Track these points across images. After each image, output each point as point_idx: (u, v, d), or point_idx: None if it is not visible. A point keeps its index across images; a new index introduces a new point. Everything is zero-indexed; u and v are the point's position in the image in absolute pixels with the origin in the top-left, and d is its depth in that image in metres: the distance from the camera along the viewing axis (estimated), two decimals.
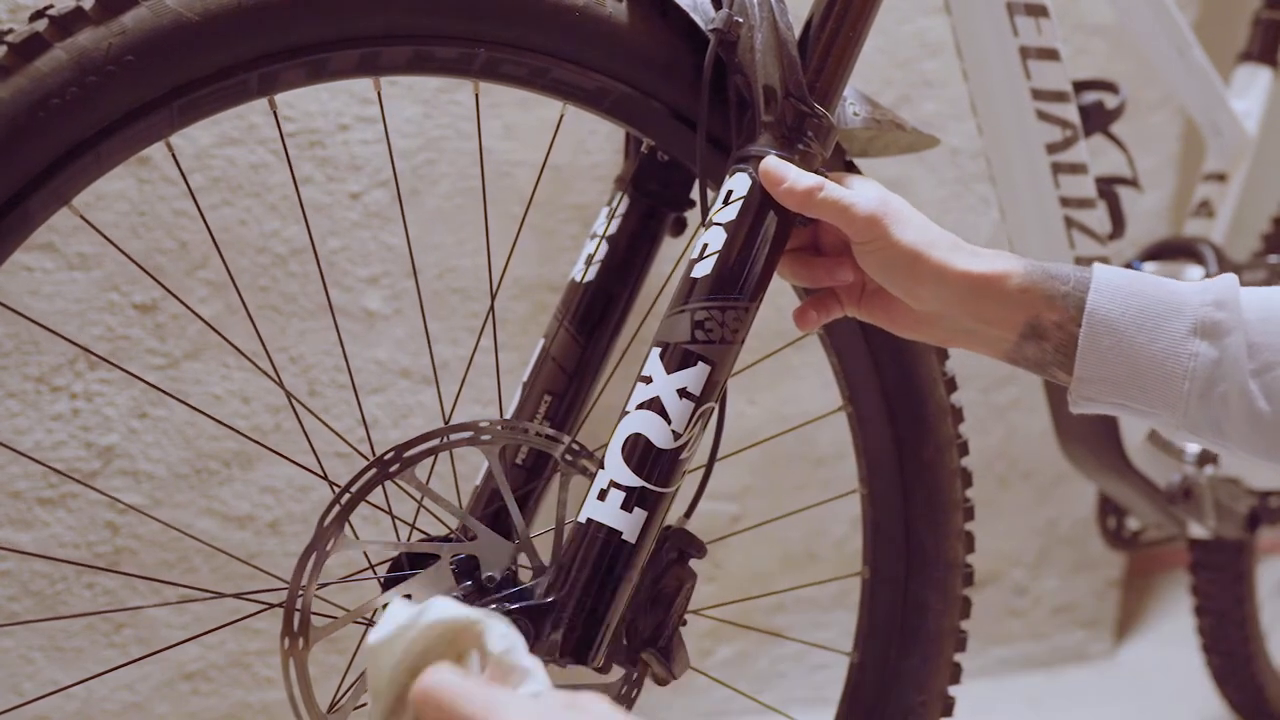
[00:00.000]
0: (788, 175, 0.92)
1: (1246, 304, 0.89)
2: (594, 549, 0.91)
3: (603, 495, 0.91)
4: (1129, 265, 1.60)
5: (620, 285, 1.13)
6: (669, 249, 1.16)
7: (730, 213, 0.93)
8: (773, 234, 0.94)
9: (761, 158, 0.94)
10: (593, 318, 1.12)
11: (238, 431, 1.17)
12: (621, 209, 1.14)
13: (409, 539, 1.00)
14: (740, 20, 0.96)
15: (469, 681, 0.61)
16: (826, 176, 0.93)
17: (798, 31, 0.97)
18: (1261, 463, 0.91)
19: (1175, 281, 0.91)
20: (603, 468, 0.92)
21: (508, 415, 1.12)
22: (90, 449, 1.46)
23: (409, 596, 0.90)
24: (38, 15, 0.81)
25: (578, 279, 1.14)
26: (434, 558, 0.93)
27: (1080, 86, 1.39)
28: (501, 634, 0.65)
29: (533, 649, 0.91)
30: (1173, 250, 1.62)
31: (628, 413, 0.92)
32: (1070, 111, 1.34)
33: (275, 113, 0.94)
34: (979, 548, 1.19)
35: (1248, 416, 0.88)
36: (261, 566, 1.36)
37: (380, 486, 0.92)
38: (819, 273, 0.98)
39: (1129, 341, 0.89)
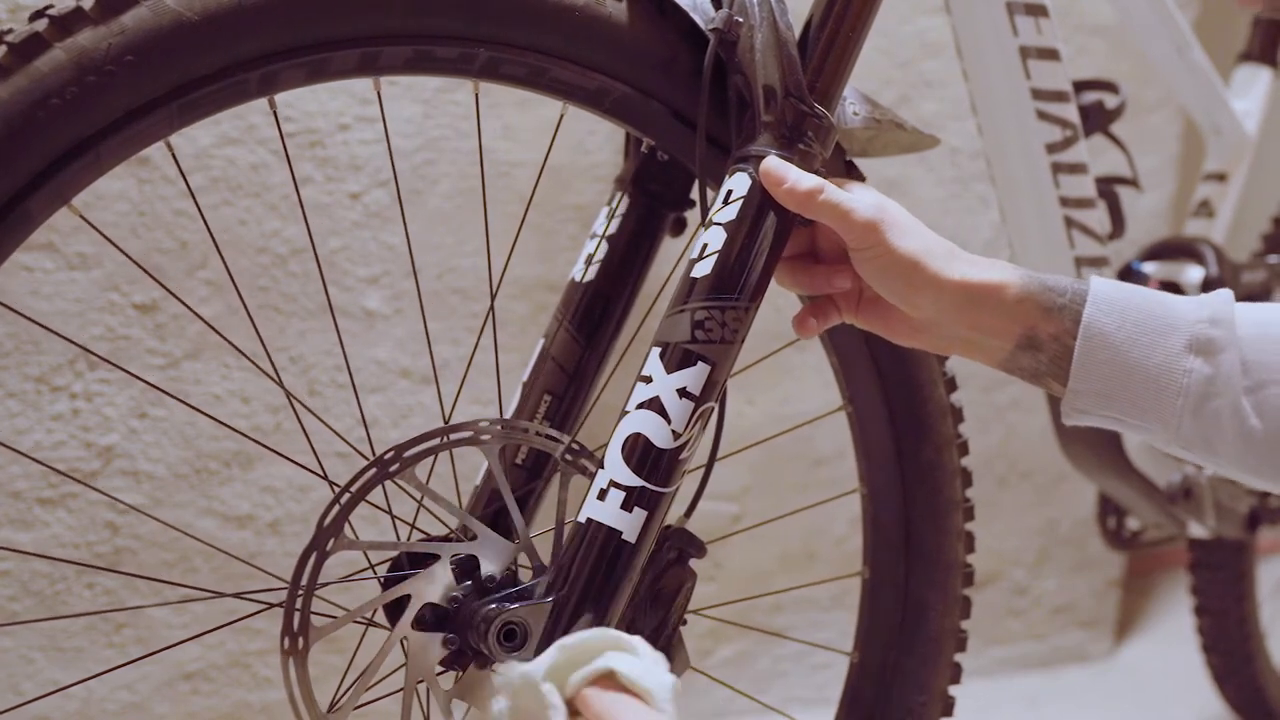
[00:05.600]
0: (788, 175, 0.92)
1: (1241, 320, 0.89)
2: (594, 549, 0.91)
3: (602, 495, 0.91)
4: (1129, 265, 1.60)
5: (620, 285, 1.13)
6: (669, 249, 1.16)
7: (730, 212, 0.93)
8: (772, 234, 0.94)
9: (761, 157, 0.94)
10: (593, 318, 1.12)
11: (238, 431, 1.17)
12: (621, 209, 1.14)
13: (409, 539, 1.00)
14: (740, 20, 0.96)
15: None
16: (827, 180, 0.93)
17: (798, 31, 0.97)
18: (1252, 481, 0.91)
19: (1171, 296, 0.91)
20: (602, 467, 0.92)
21: (507, 415, 1.12)
22: (90, 449, 1.46)
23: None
24: (37, 15, 0.81)
25: (577, 279, 1.14)
26: (434, 557, 0.94)
27: (1080, 86, 1.39)
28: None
29: (533, 649, 0.91)
30: (1173, 250, 1.62)
31: (628, 412, 0.92)
32: (1070, 111, 1.35)
33: (275, 113, 0.94)
34: (979, 547, 1.19)
35: (1239, 434, 0.88)
36: (261, 566, 1.36)
37: (380, 486, 0.93)
38: (817, 279, 0.98)
39: (1124, 356, 0.89)
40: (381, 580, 0.98)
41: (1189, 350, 0.88)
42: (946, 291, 0.91)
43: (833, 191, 0.92)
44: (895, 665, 1.16)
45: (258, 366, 1.08)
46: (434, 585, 0.93)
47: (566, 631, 0.91)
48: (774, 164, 0.92)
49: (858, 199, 0.92)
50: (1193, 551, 1.95)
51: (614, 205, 1.14)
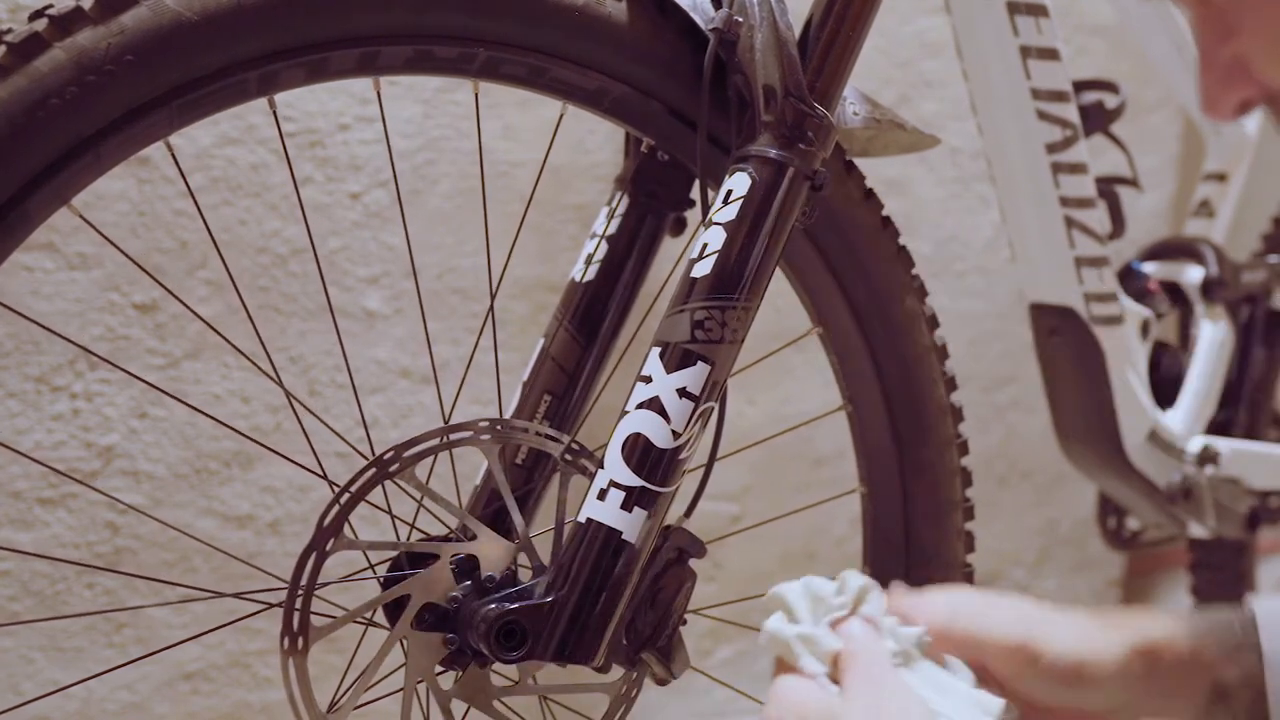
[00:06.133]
0: (917, 611, 0.84)
1: None
2: (594, 549, 0.91)
3: (602, 495, 0.91)
4: (1129, 265, 1.60)
5: (620, 285, 1.13)
6: (669, 249, 1.16)
7: (730, 212, 0.94)
8: (772, 233, 0.94)
9: (762, 157, 0.94)
10: (592, 317, 1.12)
11: (238, 431, 1.17)
12: (621, 209, 1.14)
13: (409, 538, 1.00)
14: (740, 19, 0.96)
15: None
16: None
17: (798, 31, 0.97)
18: None
19: None
20: (602, 467, 0.92)
21: (507, 415, 1.12)
22: (90, 449, 1.46)
23: None
24: (37, 15, 0.81)
25: (577, 279, 1.14)
26: (434, 557, 0.94)
27: (1080, 86, 1.39)
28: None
29: (532, 649, 0.91)
30: (1173, 250, 1.63)
31: (627, 412, 0.92)
32: (1070, 111, 1.35)
33: (275, 113, 0.94)
34: (979, 547, 1.19)
35: None
36: (261, 566, 1.36)
37: (380, 486, 0.93)
38: None
39: None
40: (381, 580, 0.98)
41: None
42: (1120, 675, 0.82)
43: (963, 620, 0.83)
44: None
45: (257, 367, 1.08)
46: (434, 585, 0.93)
47: (566, 631, 0.91)
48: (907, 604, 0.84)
49: (995, 622, 0.83)
50: (1193, 551, 1.95)
51: (614, 205, 1.14)
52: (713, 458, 0.99)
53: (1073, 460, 1.57)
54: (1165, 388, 1.58)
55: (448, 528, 1.00)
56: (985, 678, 0.83)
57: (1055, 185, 1.35)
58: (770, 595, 0.80)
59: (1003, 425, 2.09)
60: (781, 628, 0.78)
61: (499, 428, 0.96)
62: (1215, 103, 0.75)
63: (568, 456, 0.95)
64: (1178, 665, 0.82)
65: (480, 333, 1.42)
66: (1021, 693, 0.83)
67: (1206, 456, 1.55)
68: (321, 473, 1.00)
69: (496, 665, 0.94)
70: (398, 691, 0.94)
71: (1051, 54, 1.31)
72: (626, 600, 0.92)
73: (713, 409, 0.94)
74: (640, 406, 0.92)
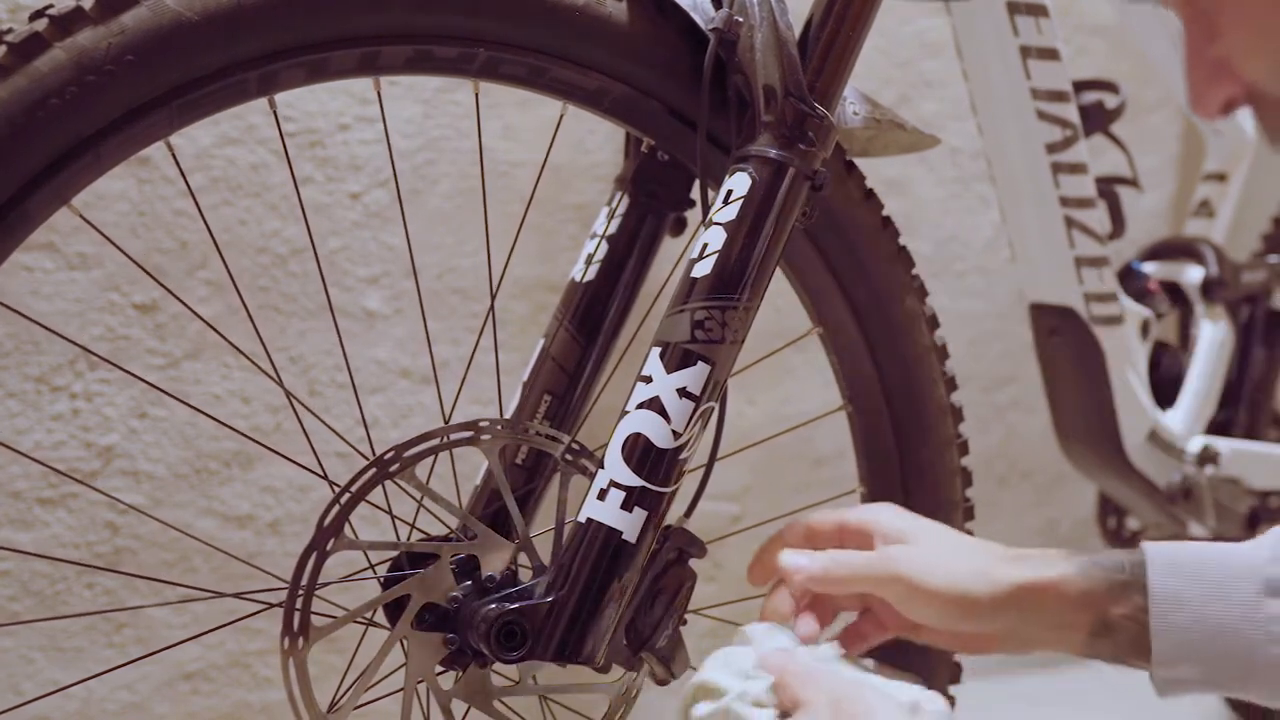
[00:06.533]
0: (793, 566, 0.93)
1: None
2: (594, 549, 0.91)
3: (602, 495, 0.91)
4: (1129, 265, 1.60)
5: (620, 285, 1.13)
6: (669, 249, 1.16)
7: (730, 212, 0.94)
8: (773, 234, 0.94)
9: (762, 157, 0.94)
10: (593, 317, 1.12)
11: (238, 431, 1.17)
12: (621, 209, 1.14)
13: (409, 539, 1.00)
14: (740, 19, 0.96)
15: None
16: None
17: (798, 31, 0.97)
18: None
19: (1229, 545, 0.89)
20: (602, 467, 0.92)
21: (508, 415, 1.12)
22: (90, 449, 1.46)
23: None
24: (37, 15, 0.81)
25: (577, 279, 1.13)
26: (434, 557, 0.94)
27: (1080, 86, 1.39)
28: None
29: (532, 649, 0.91)
30: (1173, 250, 1.63)
31: (628, 412, 0.92)
32: (1070, 111, 1.35)
33: (275, 113, 0.94)
34: None
35: None
36: (261, 566, 1.36)
37: (380, 486, 0.93)
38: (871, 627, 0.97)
39: (1201, 616, 0.85)
40: (381, 580, 0.98)
41: (1265, 594, 0.85)
42: (1007, 603, 0.89)
43: (837, 565, 0.92)
44: (894, 665, 1.16)
45: (258, 367, 1.08)
46: (434, 585, 0.93)
47: (566, 631, 0.91)
48: (784, 561, 0.94)
49: (864, 561, 0.92)
50: None
51: (614, 205, 1.14)
52: (713, 458, 0.99)
53: (1073, 460, 1.57)
54: (1165, 388, 1.58)
55: (448, 528, 1.00)
56: (872, 620, 0.96)
57: (1055, 185, 1.36)
58: (695, 686, 0.87)
59: (1003, 425, 2.09)
60: (713, 707, 0.85)
61: (499, 428, 0.96)
62: (1201, 100, 0.78)
63: (568, 456, 0.95)
64: (1065, 602, 0.89)
65: (480, 333, 1.42)
66: (911, 618, 0.92)
67: (1206, 456, 1.56)
68: (322, 473, 1.00)
69: (497, 665, 0.94)
70: (398, 691, 0.94)
71: (1051, 54, 1.31)
72: (626, 600, 0.92)
73: (713, 409, 0.94)
74: (640, 406, 0.91)
